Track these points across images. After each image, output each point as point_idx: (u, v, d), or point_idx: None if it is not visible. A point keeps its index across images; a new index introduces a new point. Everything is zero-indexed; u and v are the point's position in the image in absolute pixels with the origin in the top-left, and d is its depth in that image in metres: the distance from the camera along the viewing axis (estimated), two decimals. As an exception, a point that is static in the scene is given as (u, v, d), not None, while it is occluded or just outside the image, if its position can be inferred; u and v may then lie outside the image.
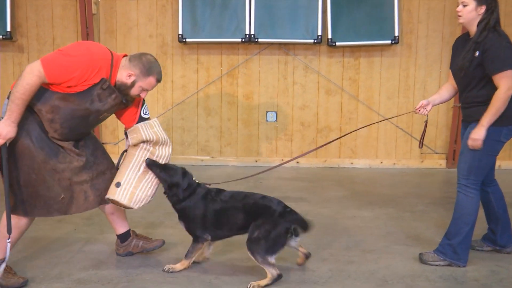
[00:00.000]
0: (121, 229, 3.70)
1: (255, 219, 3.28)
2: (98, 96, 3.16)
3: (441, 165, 6.68)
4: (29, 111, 3.13)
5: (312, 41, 6.40)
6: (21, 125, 3.08)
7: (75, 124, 3.21)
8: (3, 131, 2.97)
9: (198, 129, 6.78)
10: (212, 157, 6.81)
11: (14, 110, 2.98)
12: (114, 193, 3.36)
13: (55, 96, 3.10)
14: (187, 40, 6.44)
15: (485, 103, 3.44)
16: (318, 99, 6.72)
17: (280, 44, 6.57)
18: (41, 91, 3.07)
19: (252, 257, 3.25)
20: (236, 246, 3.80)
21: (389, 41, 6.43)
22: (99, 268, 3.53)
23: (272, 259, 3.25)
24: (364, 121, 6.70)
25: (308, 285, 3.33)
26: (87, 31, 6.42)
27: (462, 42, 3.62)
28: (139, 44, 6.62)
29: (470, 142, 3.45)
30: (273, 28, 6.42)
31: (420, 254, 3.72)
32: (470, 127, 3.55)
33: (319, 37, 6.38)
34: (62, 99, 3.10)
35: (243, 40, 6.39)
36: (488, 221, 3.88)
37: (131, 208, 3.41)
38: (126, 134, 3.46)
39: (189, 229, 3.44)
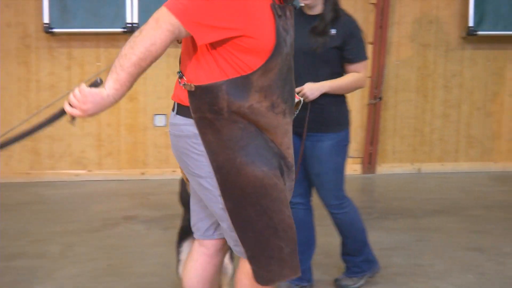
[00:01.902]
0: None
1: None
2: (284, 29, 2.48)
3: (355, 170, 6.94)
4: (234, 125, 2.40)
5: (206, 31, 6.44)
6: (228, 147, 2.39)
7: (286, 81, 2.54)
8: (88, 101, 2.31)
9: (72, 138, 6.64)
10: (89, 170, 6.70)
11: (124, 81, 2.30)
12: None
13: (254, 78, 2.39)
14: (55, 30, 6.29)
15: (338, 103, 3.58)
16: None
17: (168, 34, 6.57)
18: (240, 85, 2.38)
19: None
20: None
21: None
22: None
23: None
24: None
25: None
26: None
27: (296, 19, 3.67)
28: (-5, 35, 6.42)
29: (307, 92, 3.41)
30: (160, 16, 6.40)
31: (337, 280, 3.85)
32: (314, 140, 3.56)
33: (214, 26, 6.44)
34: (266, 72, 2.41)
35: (124, 30, 6.34)
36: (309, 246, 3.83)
37: None
38: None
39: None
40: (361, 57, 3.56)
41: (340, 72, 3.58)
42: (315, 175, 3.61)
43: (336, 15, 3.50)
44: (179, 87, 2.49)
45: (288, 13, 2.52)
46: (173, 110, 2.55)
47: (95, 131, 6.66)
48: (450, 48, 6.93)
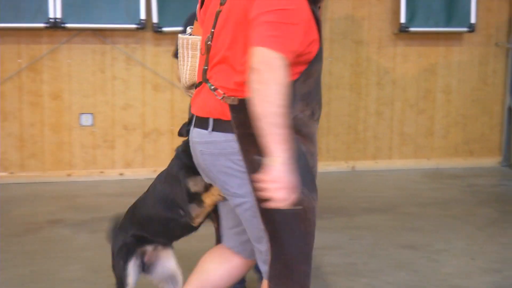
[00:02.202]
0: None
1: None
2: (321, 32, 2.50)
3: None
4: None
5: (134, 26, 6.40)
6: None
7: (320, 86, 2.55)
8: (286, 177, 2.18)
9: (-8, 138, 6.50)
10: (11, 172, 6.55)
11: (287, 136, 2.19)
12: None
13: (297, 85, 2.37)
14: (-27, 25, 6.15)
15: None
16: (144, 96, 6.73)
17: (94, 30, 6.49)
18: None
19: None
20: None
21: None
22: None
23: None
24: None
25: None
26: None
27: None
28: None
29: None
30: (85, 11, 6.32)
31: None
32: None
33: (143, 21, 6.40)
34: (307, 78, 2.40)
35: (47, 25, 6.23)
36: None
37: None
38: None
39: None
40: None
41: None
42: None
43: None
44: (213, 101, 2.40)
45: (319, 15, 2.48)
46: (203, 127, 2.44)
47: (17, 131, 6.52)
48: (382, 45, 7.08)
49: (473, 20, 6.97)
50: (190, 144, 2.62)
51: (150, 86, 6.72)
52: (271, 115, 2.15)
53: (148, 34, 6.63)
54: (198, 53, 2.64)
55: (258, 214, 2.41)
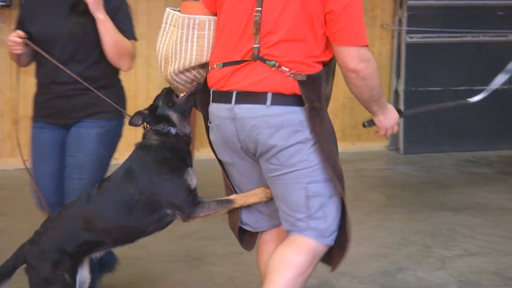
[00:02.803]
0: None
1: None
2: None
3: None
4: (327, 117, 2.73)
5: (-1, 3, 6.29)
6: (330, 137, 2.72)
7: None
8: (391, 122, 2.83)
9: None
10: None
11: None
12: None
13: (333, 60, 2.72)
14: None
15: (109, 86, 3.40)
16: (13, 80, 6.52)
17: (-46, 8, 6.29)
18: (328, 70, 2.70)
19: None
20: None
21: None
22: None
23: None
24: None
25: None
26: None
27: None
28: None
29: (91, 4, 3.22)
30: None
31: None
32: (80, 127, 3.37)
33: (9, -2, 6.28)
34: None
35: None
36: None
37: None
38: None
39: None
40: (129, 36, 3.37)
41: None
42: (74, 166, 3.36)
43: None
44: (272, 76, 2.58)
45: None
46: (258, 102, 2.60)
47: None
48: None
49: (358, 1, 7.17)
50: (226, 120, 2.69)
51: (20, 69, 6.53)
52: (375, 95, 2.66)
53: (15, 13, 6.39)
54: (206, 33, 2.77)
55: (306, 181, 2.63)
